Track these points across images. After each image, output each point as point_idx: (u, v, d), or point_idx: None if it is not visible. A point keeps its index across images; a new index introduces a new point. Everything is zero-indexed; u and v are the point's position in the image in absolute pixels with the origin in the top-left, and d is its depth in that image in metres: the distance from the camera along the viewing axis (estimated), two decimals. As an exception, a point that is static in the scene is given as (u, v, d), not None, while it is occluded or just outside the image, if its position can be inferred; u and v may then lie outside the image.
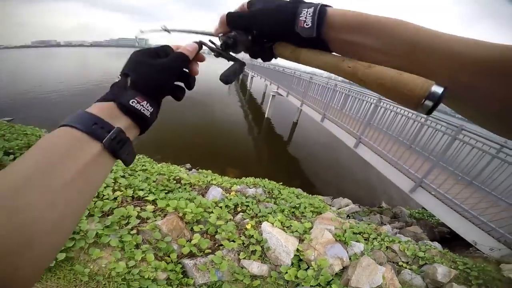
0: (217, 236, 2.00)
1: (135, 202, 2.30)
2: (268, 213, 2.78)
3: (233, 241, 2.01)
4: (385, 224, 5.80)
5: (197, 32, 0.52)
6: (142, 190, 2.54)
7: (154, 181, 2.96)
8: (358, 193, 8.40)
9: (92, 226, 1.72)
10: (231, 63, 0.47)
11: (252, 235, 2.13)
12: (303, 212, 3.16)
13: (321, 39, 0.37)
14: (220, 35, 0.44)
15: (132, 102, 0.35)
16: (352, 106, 6.78)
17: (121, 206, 2.11)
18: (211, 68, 6.49)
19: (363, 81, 0.33)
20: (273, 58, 0.46)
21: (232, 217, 2.54)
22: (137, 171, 3.37)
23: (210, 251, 1.85)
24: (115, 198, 2.19)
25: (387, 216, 6.44)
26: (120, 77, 0.39)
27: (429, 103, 0.28)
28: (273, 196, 3.51)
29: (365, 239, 2.76)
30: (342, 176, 9.61)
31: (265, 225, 2.18)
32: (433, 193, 4.20)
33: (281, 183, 4.41)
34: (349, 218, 5.30)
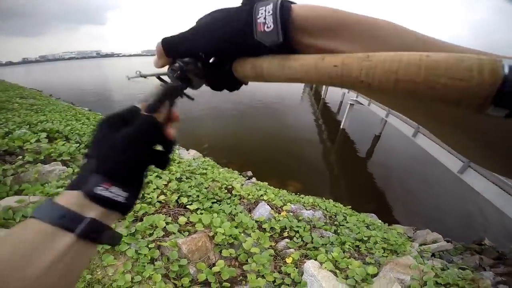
0: (245, 267, 1.66)
1: (175, 209, 2.19)
2: (323, 244, 2.28)
3: (263, 276, 1.63)
4: (485, 269, 4.34)
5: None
6: (189, 196, 2.44)
7: (206, 188, 2.85)
8: (453, 225, 6.64)
9: (118, 231, 1.64)
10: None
11: (289, 274, 1.71)
12: (371, 248, 2.50)
13: (289, 46, 0.27)
14: (167, 68, 0.34)
15: (98, 190, 0.30)
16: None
17: (157, 213, 2.02)
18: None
19: (368, 83, 0.21)
20: (241, 85, 0.35)
21: (274, 244, 2.17)
22: (196, 174, 3.37)
23: (228, 285, 1.52)
24: (156, 203, 2.13)
25: (489, 258, 4.80)
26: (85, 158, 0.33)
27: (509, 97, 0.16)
28: (335, 222, 2.94)
29: (453, 295, 1.94)
30: (433, 204, 7.80)
31: (309, 265, 1.71)
32: None
33: (349, 207, 3.74)
34: (434, 257, 4.15)
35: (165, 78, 0.37)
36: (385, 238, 2.70)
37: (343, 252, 2.19)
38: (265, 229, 2.32)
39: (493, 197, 4.20)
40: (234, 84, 0.35)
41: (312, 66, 0.25)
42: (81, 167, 0.33)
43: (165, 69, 0.36)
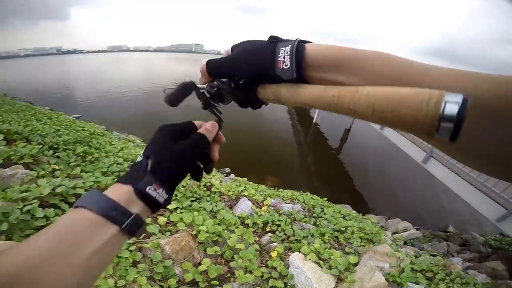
0: (231, 264, 1.65)
1: (154, 209, 2.10)
2: (304, 236, 2.32)
3: (250, 272, 1.63)
4: (453, 255, 4.73)
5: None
6: (166, 196, 2.35)
7: (183, 186, 2.77)
8: (419, 213, 7.15)
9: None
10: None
11: (276, 267, 1.72)
12: (349, 238, 2.61)
13: (303, 78, 0.34)
14: (205, 85, 0.41)
15: (148, 190, 0.34)
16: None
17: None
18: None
19: (354, 111, 0.27)
20: (262, 104, 0.43)
21: (258, 238, 2.17)
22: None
23: (217, 282, 1.50)
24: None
25: (455, 244, 5.27)
26: (142, 157, 0.37)
27: (447, 124, 0.20)
28: (314, 215, 3.02)
29: (427, 279, 2.09)
30: (401, 193, 8.33)
31: (294, 258, 1.74)
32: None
33: (325, 198, 3.86)
34: (407, 245, 4.44)
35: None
36: (361, 228, 2.82)
37: (324, 243, 2.25)
38: (248, 224, 2.31)
39: (452, 184, 4.57)
40: (257, 103, 0.42)
41: (317, 95, 0.31)
42: (134, 165, 0.37)
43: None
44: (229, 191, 2.82)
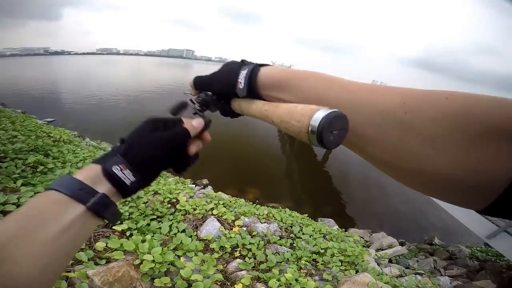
0: (182, 302, 1.34)
1: (99, 231, 1.78)
2: (278, 262, 2.04)
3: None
4: (440, 273, 4.55)
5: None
6: (120, 214, 2.03)
7: (145, 203, 2.45)
8: (404, 225, 7.06)
9: None
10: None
11: (238, 306, 1.43)
12: (328, 262, 2.34)
13: (258, 96, 0.42)
14: (195, 96, 0.50)
15: (114, 168, 0.36)
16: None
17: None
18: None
19: (274, 122, 0.34)
20: (240, 115, 0.50)
21: (224, 265, 1.87)
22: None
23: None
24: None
25: (441, 259, 5.10)
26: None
27: (314, 127, 0.26)
28: (291, 235, 2.74)
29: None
30: (386, 205, 8.20)
31: (258, 295, 1.45)
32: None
33: (306, 215, 3.59)
34: (391, 262, 4.23)
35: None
36: (342, 249, 2.57)
37: (299, 270, 1.98)
38: (213, 249, 2.01)
39: (448, 205, 4.43)
40: (233, 113, 0.50)
41: (258, 109, 0.40)
42: (112, 148, 0.41)
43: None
44: (195, 209, 2.51)
